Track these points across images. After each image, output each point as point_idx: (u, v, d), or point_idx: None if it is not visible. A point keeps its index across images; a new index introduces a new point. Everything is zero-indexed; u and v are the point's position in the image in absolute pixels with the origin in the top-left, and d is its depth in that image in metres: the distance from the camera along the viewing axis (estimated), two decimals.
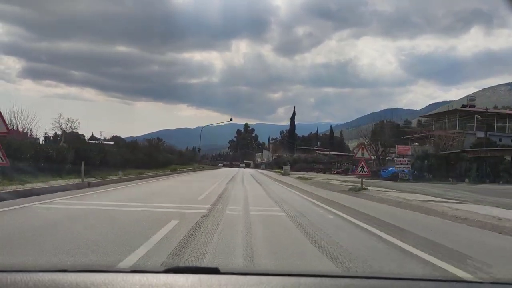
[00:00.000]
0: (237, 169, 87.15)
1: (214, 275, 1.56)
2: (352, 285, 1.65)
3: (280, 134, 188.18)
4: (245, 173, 47.76)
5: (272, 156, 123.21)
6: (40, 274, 1.50)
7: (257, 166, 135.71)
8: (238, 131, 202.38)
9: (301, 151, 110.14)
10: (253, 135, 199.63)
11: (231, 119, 51.83)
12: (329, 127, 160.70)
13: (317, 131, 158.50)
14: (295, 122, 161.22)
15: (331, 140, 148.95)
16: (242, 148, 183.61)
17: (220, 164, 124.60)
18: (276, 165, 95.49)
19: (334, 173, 62.97)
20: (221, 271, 1.60)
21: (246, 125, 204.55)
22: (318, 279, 1.66)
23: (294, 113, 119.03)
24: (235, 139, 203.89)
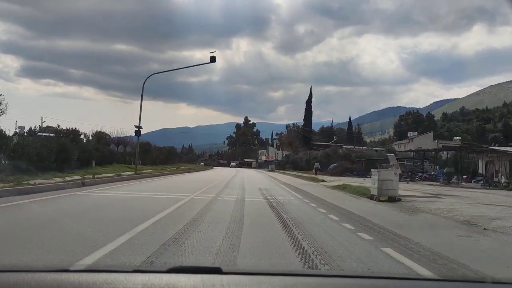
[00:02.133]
0: (231, 171, 54.60)
1: (216, 275, 1.51)
2: (353, 284, 1.60)
3: (286, 128, 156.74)
4: (247, 200, 14.75)
5: (279, 153, 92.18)
6: (42, 274, 1.47)
7: (260, 165, 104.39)
8: (238, 126, 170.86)
9: (317, 148, 79.35)
10: (255, 130, 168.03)
11: (213, 57, 19.16)
12: (332, 124, 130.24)
13: (331, 123, 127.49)
14: (295, 121, 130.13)
15: (350, 134, 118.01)
16: (242, 145, 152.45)
17: (201, 163, 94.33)
18: (290, 164, 64.17)
19: (417, 180, 31.55)
20: (223, 271, 1.55)
21: (246, 119, 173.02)
22: (319, 278, 1.65)
23: (310, 95, 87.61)
24: (233, 135, 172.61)
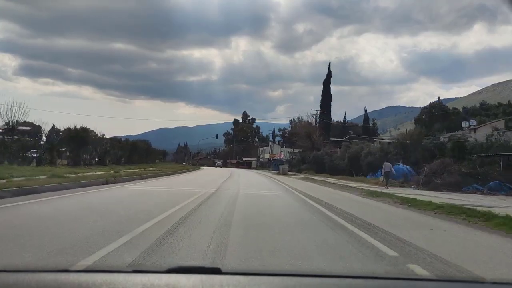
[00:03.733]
0: (218, 174, 30.95)
1: (215, 275, 1.49)
2: (354, 285, 1.56)
3: (291, 123, 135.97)
4: None
5: (284, 151, 70.90)
6: (42, 274, 1.46)
7: (262, 165, 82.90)
8: (235, 122, 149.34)
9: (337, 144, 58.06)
10: (254, 126, 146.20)
11: None
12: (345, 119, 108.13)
13: (344, 117, 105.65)
14: (293, 119, 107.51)
15: (366, 129, 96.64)
16: (241, 142, 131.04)
17: (183, 163, 73.65)
18: (309, 165, 42.79)
19: None
20: (223, 271, 1.53)
21: (244, 114, 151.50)
22: (320, 279, 1.60)
23: (329, 74, 64.66)
24: (231, 132, 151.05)
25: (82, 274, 1.48)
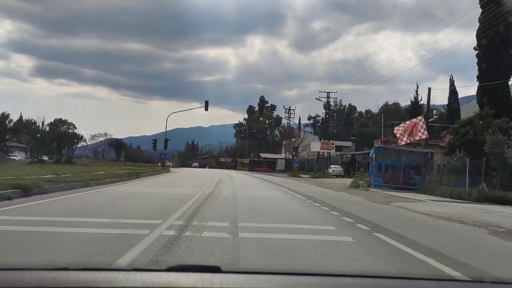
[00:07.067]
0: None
1: (215, 273, 1.46)
2: (353, 284, 1.54)
3: (325, 109, 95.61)
4: None
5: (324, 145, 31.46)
6: (42, 272, 1.43)
7: (290, 165, 43.15)
8: (250, 109, 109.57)
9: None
10: (275, 114, 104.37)
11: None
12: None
13: (429, 93, 65.41)
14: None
15: (452, 111, 56.22)
16: (256, 134, 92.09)
17: (161, 163, 35.75)
18: None
19: None
20: (223, 270, 1.50)
21: (261, 100, 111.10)
22: (319, 278, 1.59)
23: None
24: (243, 122, 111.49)
25: (82, 272, 1.42)
